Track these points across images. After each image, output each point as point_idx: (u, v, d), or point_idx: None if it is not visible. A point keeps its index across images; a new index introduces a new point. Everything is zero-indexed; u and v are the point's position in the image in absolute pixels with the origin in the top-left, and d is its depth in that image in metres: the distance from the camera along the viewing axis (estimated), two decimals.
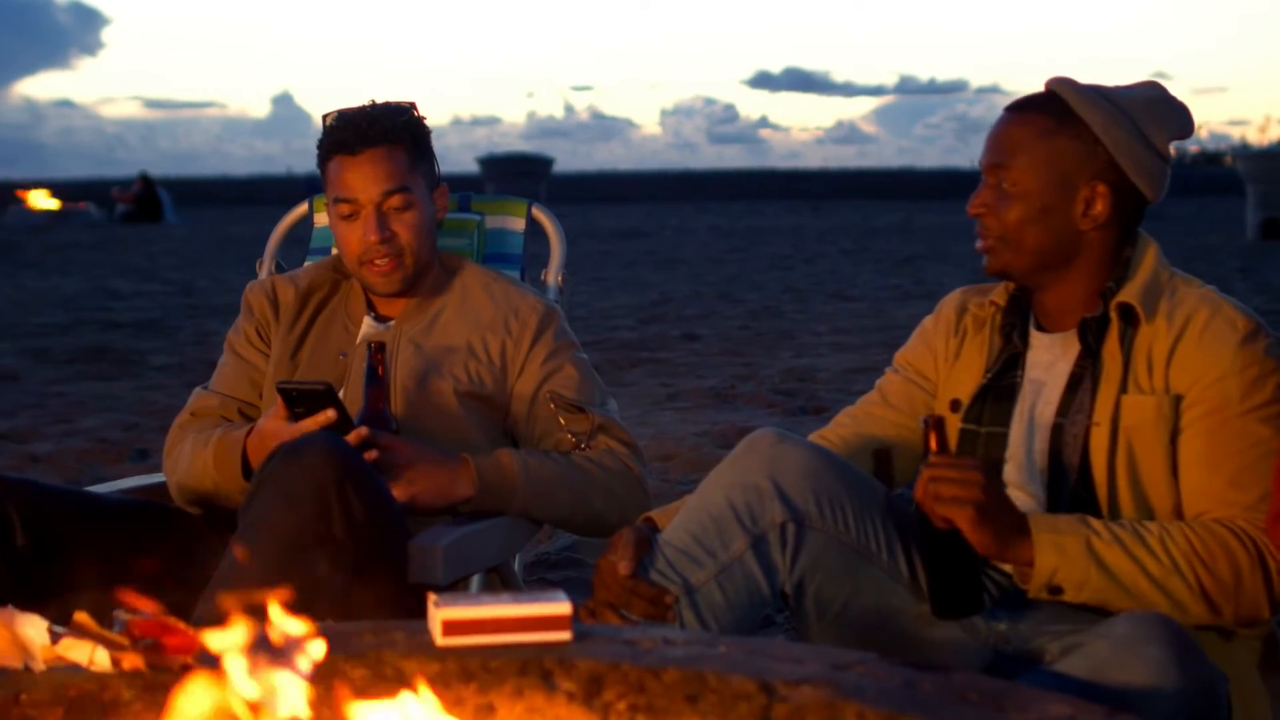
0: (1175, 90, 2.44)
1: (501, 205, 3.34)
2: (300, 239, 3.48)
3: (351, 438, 2.58)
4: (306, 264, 3.26)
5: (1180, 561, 2.20)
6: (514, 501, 2.79)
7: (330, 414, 2.60)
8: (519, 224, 3.33)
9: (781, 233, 27.39)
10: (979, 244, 2.44)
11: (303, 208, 3.45)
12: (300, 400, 2.62)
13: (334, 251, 3.12)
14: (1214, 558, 2.20)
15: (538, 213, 3.34)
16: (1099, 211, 2.38)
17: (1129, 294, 2.36)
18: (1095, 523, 2.24)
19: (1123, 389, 2.33)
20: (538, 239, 3.35)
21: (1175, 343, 2.31)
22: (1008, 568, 2.38)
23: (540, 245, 3.34)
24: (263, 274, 3.38)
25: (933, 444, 2.24)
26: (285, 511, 2.39)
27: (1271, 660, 2.33)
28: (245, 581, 2.35)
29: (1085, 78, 2.45)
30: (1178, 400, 2.30)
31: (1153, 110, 2.40)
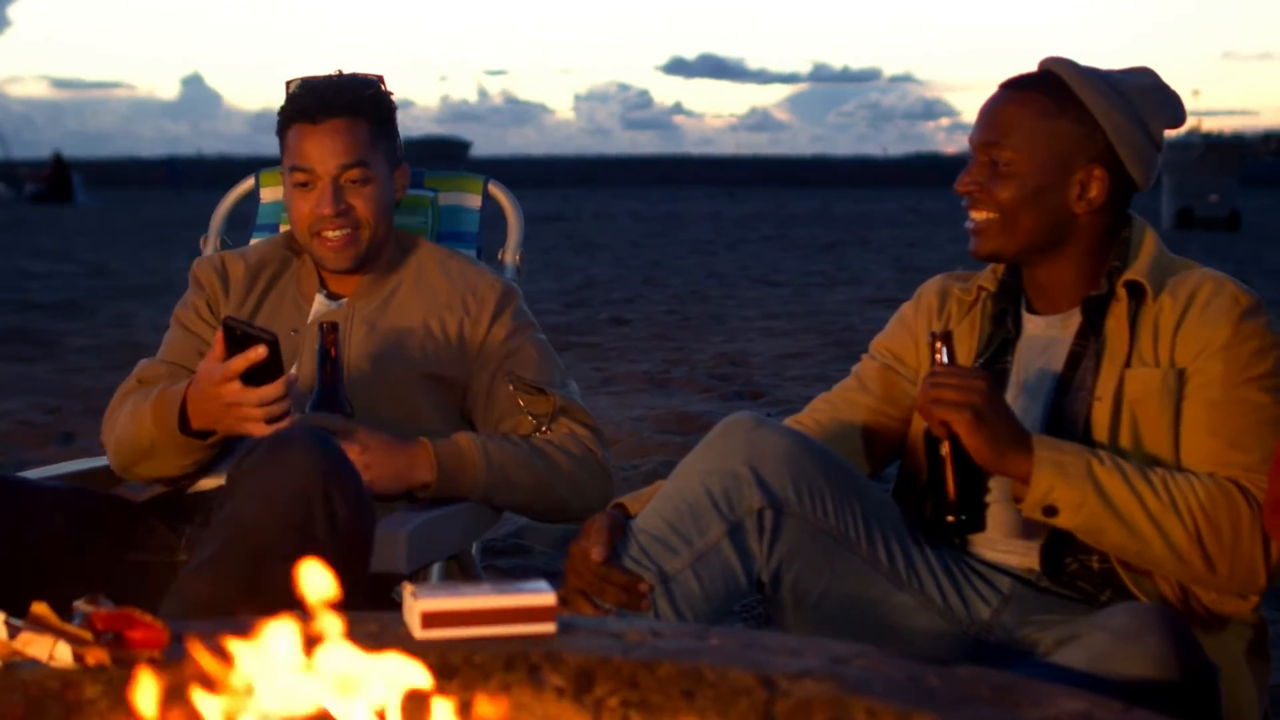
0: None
1: (456, 182, 3.24)
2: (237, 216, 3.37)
3: (276, 387, 2.45)
4: (255, 240, 3.15)
5: (1180, 502, 2.17)
6: (474, 487, 2.71)
7: (260, 351, 2.45)
8: (475, 201, 3.24)
9: (700, 218, 27.49)
10: (969, 224, 2.38)
11: (249, 183, 3.35)
12: (241, 343, 2.47)
13: (282, 229, 3.02)
14: (1215, 506, 2.17)
15: (494, 189, 3.25)
16: (1094, 196, 2.35)
17: (1136, 272, 2.34)
18: (1101, 452, 2.22)
19: (1127, 364, 2.31)
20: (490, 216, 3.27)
21: (1181, 316, 2.29)
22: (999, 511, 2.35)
23: (495, 223, 3.26)
24: (207, 251, 3.28)
25: (940, 356, 2.21)
26: (264, 511, 2.29)
27: (1259, 649, 2.30)
28: (217, 580, 2.26)
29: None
30: (1182, 374, 2.28)
31: (1151, 97, 2.38)
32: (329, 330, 2.57)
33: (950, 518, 2.21)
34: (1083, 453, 2.20)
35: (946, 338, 2.22)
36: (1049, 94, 2.34)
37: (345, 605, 2.20)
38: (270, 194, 3.30)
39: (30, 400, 7.09)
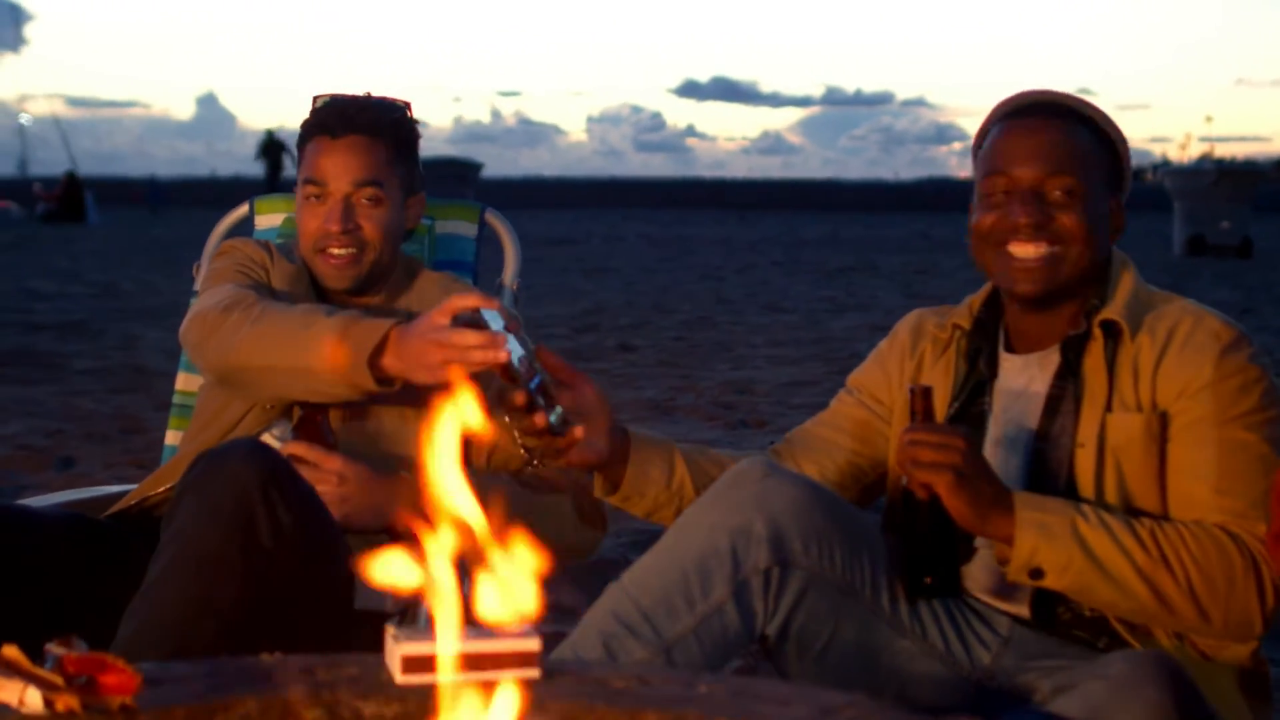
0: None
1: (453, 210, 3.21)
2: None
3: (477, 335, 2.29)
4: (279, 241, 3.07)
5: (1170, 555, 2.11)
6: None
7: (495, 304, 2.35)
8: (471, 229, 3.20)
9: (710, 242, 27.45)
10: (1025, 262, 2.29)
11: (243, 209, 3.31)
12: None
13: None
14: (1207, 556, 2.11)
15: (491, 218, 3.21)
16: (1118, 226, 2.35)
17: (1113, 310, 2.28)
18: (1085, 507, 2.15)
19: (1108, 408, 2.25)
20: (487, 244, 3.23)
21: (1160, 355, 2.24)
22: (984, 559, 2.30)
23: (491, 251, 3.23)
24: (202, 276, 3.22)
25: (918, 410, 2.14)
26: (207, 522, 2.26)
27: (1260, 691, 2.25)
28: (166, 598, 2.23)
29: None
30: (1164, 416, 2.22)
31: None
32: None
33: (927, 579, 2.15)
34: (1067, 509, 2.14)
35: (926, 394, 2.15)
36: (1085, 125, 2.33)
37: (317, 629, 2.18)
38: (265, 221, 3.26)
39: (32, 424, 7.03)
